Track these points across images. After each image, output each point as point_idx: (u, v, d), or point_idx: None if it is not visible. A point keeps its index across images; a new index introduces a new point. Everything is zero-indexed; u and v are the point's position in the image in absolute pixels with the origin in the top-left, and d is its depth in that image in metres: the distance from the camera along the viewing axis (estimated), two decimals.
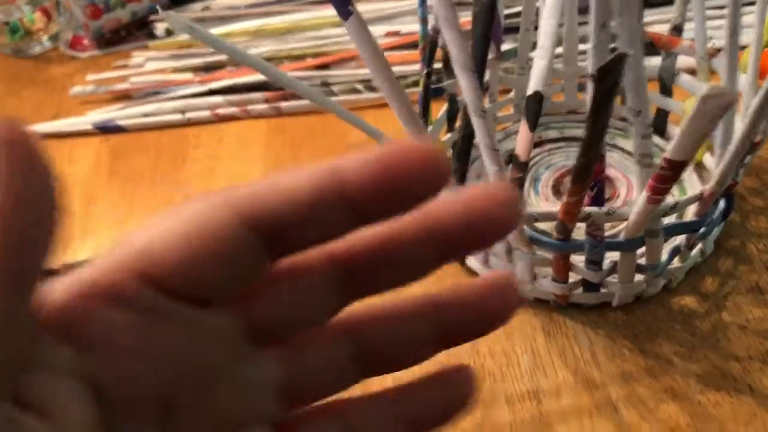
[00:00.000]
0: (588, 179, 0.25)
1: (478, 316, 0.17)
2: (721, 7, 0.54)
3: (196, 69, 0.58)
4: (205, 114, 0.53)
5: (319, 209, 0.14)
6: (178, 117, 0.53)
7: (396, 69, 0.53)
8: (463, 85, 0.24)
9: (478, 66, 0.31)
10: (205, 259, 0.14)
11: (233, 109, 0.53)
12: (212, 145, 0.52)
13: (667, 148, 0.23)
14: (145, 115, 0.54)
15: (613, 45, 0.24)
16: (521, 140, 0.30)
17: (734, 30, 0.28)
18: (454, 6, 0.21)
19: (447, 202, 0.15)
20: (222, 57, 0.57)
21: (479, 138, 0.26)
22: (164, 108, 0.54)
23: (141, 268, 0.14)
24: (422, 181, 0.14)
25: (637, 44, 0.24)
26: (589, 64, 0.25)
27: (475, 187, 0.15)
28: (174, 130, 0.54)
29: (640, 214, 0.28)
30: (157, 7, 0.26)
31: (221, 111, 0.53)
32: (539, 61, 0.27)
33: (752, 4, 0.33)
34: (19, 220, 0.11)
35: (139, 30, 0.65)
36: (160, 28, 0.63)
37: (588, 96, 0.21)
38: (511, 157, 0.30)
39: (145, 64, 0.60)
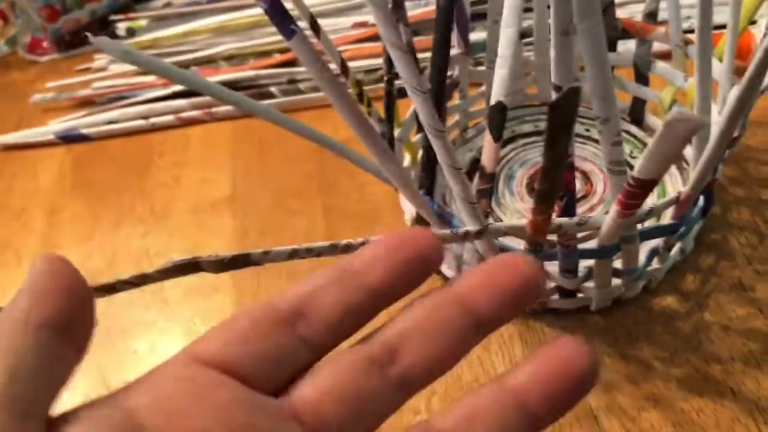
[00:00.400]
0: (552, 201, 0.23)
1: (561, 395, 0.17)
2: None
3: None
4: (169, 119, 0.51)
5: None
6: (142, 123, 0.52)
7: (365, 63, 0.51)
8: (416, 105, 0.22)
9: (439, 73, 0.30)
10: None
11: (197, 112, 0.51)
12: (177, 151, 0.50)
13: (646, 146, 0.22)
14: (109, 122, 0.52)
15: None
16: (486, 151, 0.28)
17: (706, 21, 0.26)
18: (397, 27, 0.20)
19: (477, 284, 0.17)
20: (186, 57, 0.55)
21: (439, 158, 0.25)
22: (128, 114, 0.52)
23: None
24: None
25: (602, 52, 0.23)
26: (552, 76, 0.24)
27: (500, 263, 0.18)
28: (138, 136, 0.52)
29: (612, 226, 0.26)
30: (87, 34, 0.24)
31: (185, 115, 0.51)
32: (500, 70, 0.26)
33: None
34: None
35: (100, 30, 0.63)
36: (122, 27, 0.61)
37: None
38: (478, 168, 0.29)
39: (108, 66, 0.58)
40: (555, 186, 0.22)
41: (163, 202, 0.46)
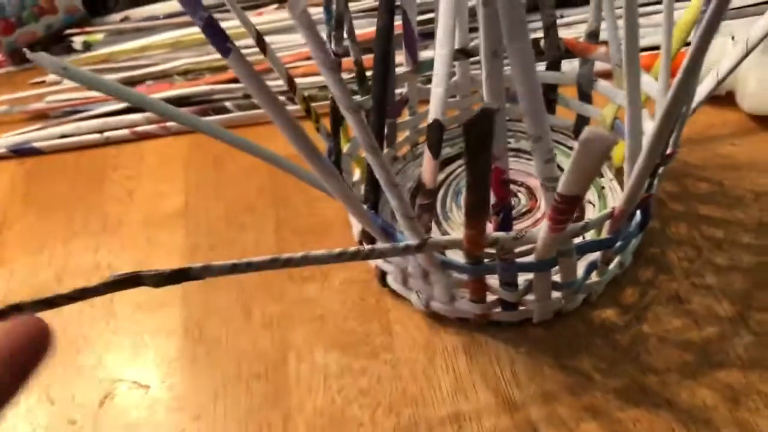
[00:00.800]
0: (481, 216, 0.24)
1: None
2: (642, 5, 0.54)
3: None
4: (123, 133, 0.51)
5: None
6: (96, 137, 0.52)
7: (316, 79, 0.52)
8: (350, 123, 0.23)
9: (380, 86, 0.31)
10: None
11: (152, 127, 0.51)
12: (131, 165, 0.50)
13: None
14: (63, 136, 0.52)
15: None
16: (426, 168, 0.29)
17: (633, 38, 0.27)
18: (326, 47, 0.20)
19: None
20: (141, 71, 0.55)
21: (375, 173, 0.25)
22: (82, 128, 0.52)
23: None
24: None
25: (531, 72, 0.23)
26: (484, 94, 0.25)
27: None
28: (92, 150, 0.52)
29: (546, 240, 0.27)
30: (25, 50, 0.24)
31: (140, 129, 0.51)
32: (435, 89, 0.27)
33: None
34: None
35: (56, 44, 0.63)
36: (78, 41, 0.61)
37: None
38: (419, 185, 0.30)
39: (63, 80, 0.58)
40: (482, 201, 0.22)
41: (115, 216, 0.46)
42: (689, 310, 0.35)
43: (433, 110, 0.27)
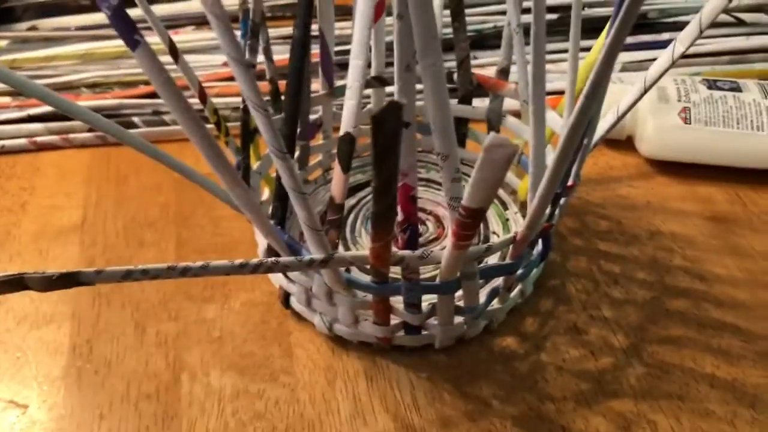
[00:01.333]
0: (388, 226, 0.24)
1: None
2: (550, 52, 0.57)
3: (14, 93, 0.53)
4: (21, 142, 0.49)
5: None
6: None
7: (232, 100, 0.51)
8: (257, 123, 0.22)
9: (292, 100, 0.30)
10: None
11: (53, 138, 0.49)
12: (27, 175, 0.47)
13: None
14: None
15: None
16: (335, 182, 0.29)
17: (540, 78, 0.28)
18: (238, 43, 0.20)
19: None
20: (46, 81, 0.53)
21: (284, 180, 0.25)
22: None
23: None
24: None
25: (442, 88, 0.24)
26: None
27: None
28: None
29: (450, 258, 0.27)
30: None
31: (40, 139, 0.49)
32: (348, 101, 0.27)
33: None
34: None
35: None
36: None
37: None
38: (328, 199, 0.29)
39: None
40: (388, 208, 0.22)
41: (4, 227, 0.43)
42: (586, 341, 0.36)
43: (345, 123, 0.27)
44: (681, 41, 0.28)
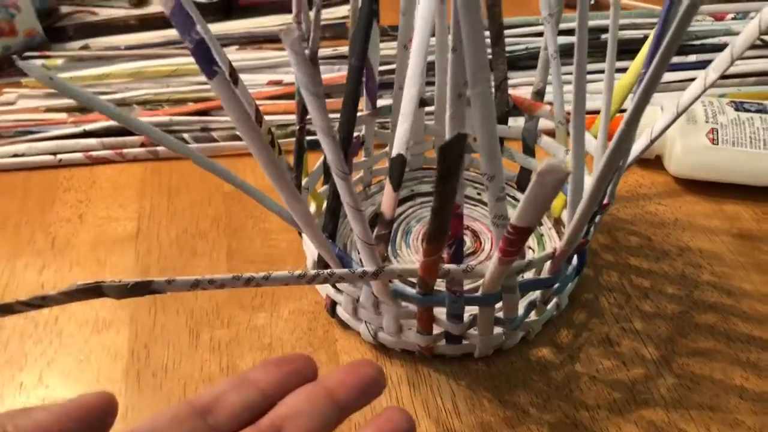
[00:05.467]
0: (442, 241, 0.26)
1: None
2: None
3: (70, 110, 0.56)
4: (78, 156, 0.52)
5: None
6: (49, 158, 0.52)
7: (277, 118, 0.53)
8: (325, 148, 0.25)
9: (348, 123, 0.33)
10: None
11: (108, 152, 0.52)
12: (84, 188, 0.50)
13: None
14: (15, 155, 0.52)
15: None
16: (386, 200, 0.31)
17: (580, 99, 0.30)
18: (313, 72, 0.22)
19: (339, 380, 0.25)
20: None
21: (342, 198, 0.27)
22: (35, 148, 0.52)
23: None
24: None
25: (491, 114, 0.26)
26: (447, 133, 0.27)
27: (355, 365, 0.25)
28: (44, 171, 0.52)
29: (494, 272, 0.29)
30: (14, 57, 0.25)
31: (95, 153, 0.52)
32: (401, 125, 0.29)
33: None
34: None
35: (11, 66, 0.63)
36: (36, 65, 0.61)
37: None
38: (378, 216, 0.31)
39: (17, 101, 0.58)
40: (444, 226, 0.24)
41: (64, 236, 0.46)
42: (618, 352, 0.37)
43: (397, 145, 0.29)
44: (714, 69, 0.30)
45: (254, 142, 0.25)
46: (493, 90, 0.43)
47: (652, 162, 0.51)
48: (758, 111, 0.49)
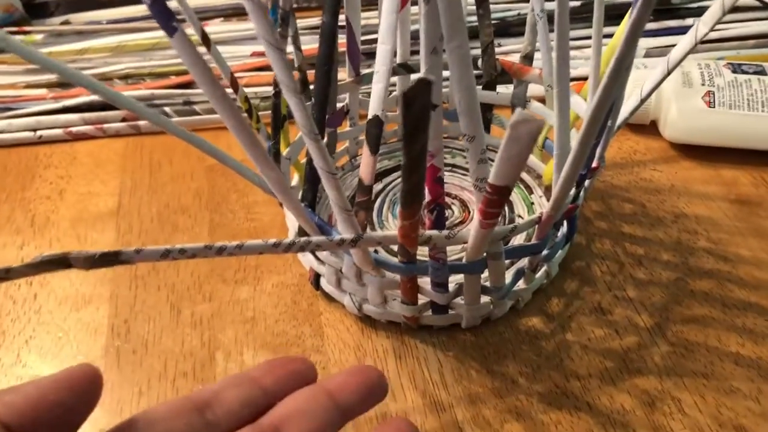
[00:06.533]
0: (417, 204, 0.25)
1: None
2: (573, 39, 0.57)
3: (50, 85, 0.55)
4: (58, 132, 0.50)
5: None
6: (28, 135, 0.50)
7: (262, 90, 0.52)
8: (291, 105, 0.23)
9: (322, 85, 0.31)
10: None
11: (88, 128, 0.50)
12: (64, 164, 0.49)
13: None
14: None
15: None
16: (364, 164, 0.29)
17: (563, 60, 0.29)
18: (269, 22, 0.21)
19: (342, 382, 0.24)
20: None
21: (315, 162, 0.26)
22: (14, 125, 0.51)
23: None
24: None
25: (468, 71, 0.25)
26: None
27: (357, 369, 0.25)
28: (24, 148, 0.51)
29: (477, 237, 0.28)
30: None
31: (75, 129, 0.50)
32: (376, 85, 0.27)
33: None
34: None
35: None
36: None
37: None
38: (357, 182, 0.30)
39: None
40: (417, 186, 0.23)
41: (44, 214, 0.45)
42: (611, 321, 0.36)
43: (373, 106, 0.28)
44: (704, 22, 0.29)
45: (218, 101, 0.24)
46: (480, 53, 0.42)
47: (647, 128, 0.50)
48: (756, 73, 0.47)
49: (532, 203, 0.42)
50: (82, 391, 0.20)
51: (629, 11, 0.33)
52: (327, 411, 0.23)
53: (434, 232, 0.29)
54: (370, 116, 0.28)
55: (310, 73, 0.36)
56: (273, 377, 0.24)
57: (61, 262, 0.27)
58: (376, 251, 0.36)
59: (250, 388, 0.24)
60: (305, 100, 0.39)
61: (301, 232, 0.36)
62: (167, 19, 0.23)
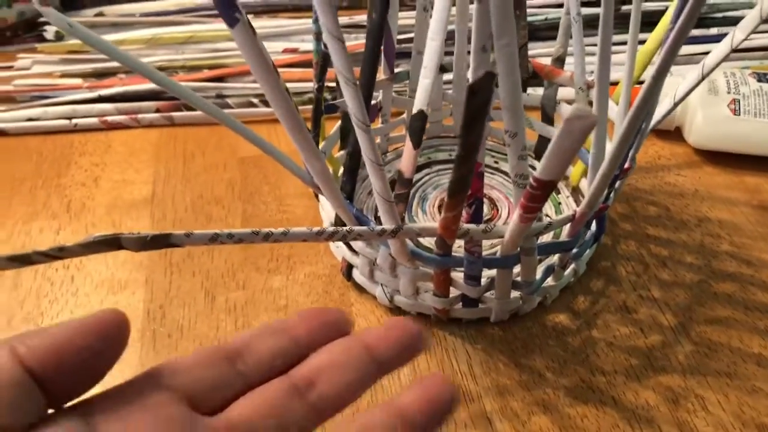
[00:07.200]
0: (464, 194, 0.26)
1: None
2: None
3: (85, 75, 0.56)
4: (93, 121, 0.51)
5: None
6: (64, 123, 0.52)
7: (293, 86, 0.53)
8: (346, 97, 0.24)
9: (367, 79, 0.32)
10: None
11: (123, 117, 0.52)
12: (99, 152, 0.50)
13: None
14: (29, 119, 0.52)
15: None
16: (405, 157, 0.30)
17: (605, 64, 0.30)
18: (336, 16, 0.22)
19: (378, 335, 0.23)
20: (113, 64, 0.56)
21: (363, 152, 0.27)
22: (50, 113, 0.52)
23: None
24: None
25: (515, 68, 0.25)
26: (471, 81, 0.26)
27: (394, 322, 0.23)
28: (59, 135, 0.52)
29: (514, 231, 0.29)
30: (33, 2, 0.25)
31: (110, 119, 0.51)
32: (423, 80, 0.28)
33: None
34: None
35: (27, 32, 0.62)
36: (50, 31, 0.61)
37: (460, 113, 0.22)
38: (397, 175, 0.31)
39: (32, 67, 0.58)
40: (467, 176, 0.24)
41: (79, 200, 0.46)
42: (636, 319, 0.37)
43: (419, 101, 0.28)
44: (741, 29, 0.30)
45: (274, 91, 0.25)
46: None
47: (672, 133, 0.51)
48: None
49: (560, 203, 0.43)
50: (111, 336, 0.19)
51: (666, 14, 0.34)
52: (363, 364, 0.22)
53: (472, 225, 0.30)
54: (414, 110, 0.29)
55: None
56: (307, 328, 0.23)
57: (112, 243, 0.28)
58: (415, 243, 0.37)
59: (283, 338, 0.22)
60: (341, 98, 0.40)
61: (338, 222, 0.37)
62: (230, 10, 0.24)
